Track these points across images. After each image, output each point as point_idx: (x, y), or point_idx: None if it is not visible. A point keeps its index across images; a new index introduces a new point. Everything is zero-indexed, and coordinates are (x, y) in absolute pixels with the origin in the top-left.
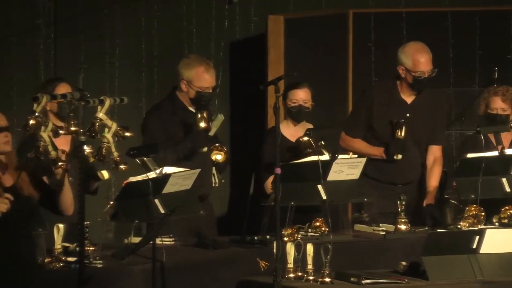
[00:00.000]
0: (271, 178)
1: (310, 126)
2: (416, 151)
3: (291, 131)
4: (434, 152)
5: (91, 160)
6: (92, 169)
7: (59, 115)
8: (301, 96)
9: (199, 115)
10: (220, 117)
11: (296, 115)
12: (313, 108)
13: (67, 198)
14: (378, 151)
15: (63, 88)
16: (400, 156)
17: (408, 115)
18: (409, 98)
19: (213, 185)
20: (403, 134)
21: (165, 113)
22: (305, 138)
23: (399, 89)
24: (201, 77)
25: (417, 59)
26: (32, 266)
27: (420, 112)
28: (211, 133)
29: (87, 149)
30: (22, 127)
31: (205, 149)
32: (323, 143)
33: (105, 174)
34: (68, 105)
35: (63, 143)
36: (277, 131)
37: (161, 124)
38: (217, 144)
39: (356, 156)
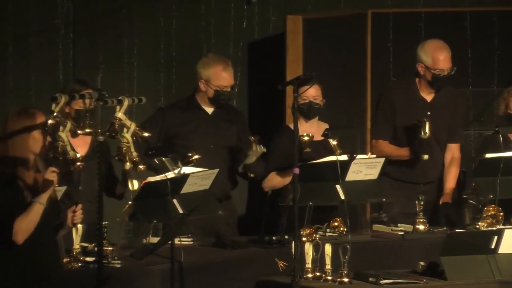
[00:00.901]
0: (271, 177)
1: (323, 123)
2: (438, 150)
3: (304, 128)
4: (452, 151)
5: (127, 167)
6: (125, 176)
7: (76, 121)
8: (311, 92)
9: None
10: (261, 149)
11: (306, 112)
12: (329, 107)
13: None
14: (405, 152)
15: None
16: (426, 157)
17: (429, 113)
18: (428, 96)
19: (259, 150)
20: (427, 132)
21: (176, 111)
22: (306, 138)
23: (418, 87)
24: (220, 76)
25: (437, 57)
26: (56, 266)
27: (440, 110)
28: (249, 161)
29: (128, 165)
30: (41, 126)
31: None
32: (335, 142)
33: (134, 183)
34: (86, 111)
35: (82, 144)
36: (295, 131)
37: (162, 124)
38: None
39: (374, 156)
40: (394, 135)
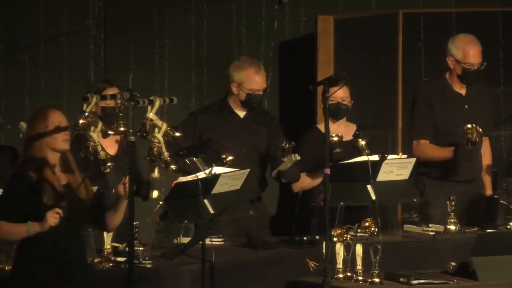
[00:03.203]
0: (301, 178)
1: (351, 123)
2: (479, 146)
3: (332, 129)
4: (485, 143)
5: (154, 175)
6: (147, 185)
7: (103, 119)
8: (339, 93)
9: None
10: (295, 158)
11: (334, 112)
12: (361, 108)
13: (118, 219)
14: (448, 153)
15: (111, 92)
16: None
17: (466, 106)
18: (462, 90)
19: (293, 158)
20: (477, 139)
21: (208, 114)
22: (335, 139)
23: (450, 82)
24: (252, 79)
25: (467, 50)
26: (84, 266)
27: (475, 103)
28: (283, 168)
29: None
30: (72, 127)
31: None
32: (363, 142)
33: (154, 194)
34: (113, 110)
35: (110, 144)
36: (326, 131)
37: (194, 128)
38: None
39: (405, 156)
40: (436, 131)
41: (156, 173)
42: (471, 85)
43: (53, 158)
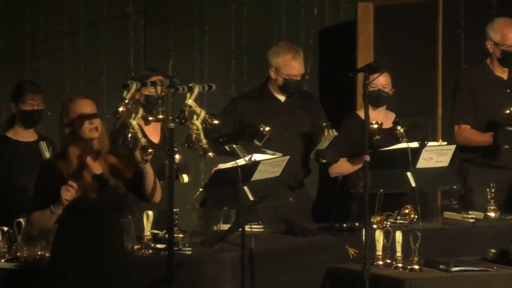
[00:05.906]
0: (339, 163)
1: (390, 112)
2: None
3: (372, 116)
4: None
5: (177, 160)
6: (175, 170)
7: (146, 107)
8: (380, 80)
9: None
10: (333, 133)
11: (374, 99)
12: (401, 95)
13: (150, 185)
14: (488, 138)
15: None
16: (507, 146)
17: (508, 90)
18: (504, 75)
19: (331, 134)
20: None
21: (248, 100)
22: (375, 126)
23: (491, 67)
24: (289, 65)
25: (506, 33)
26: (121, 253)
27: None
28: (321, 147)
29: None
30: (112, 114)
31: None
32: (402, 130)
33: (185, 177)
34: (156, 98)
35: (153, 132)
36: (366, 118)
37: (235, 114)
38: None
39: (445, 143)
40: (477, 116)
41: (185, 179)
42: None
43: (85, 148)
